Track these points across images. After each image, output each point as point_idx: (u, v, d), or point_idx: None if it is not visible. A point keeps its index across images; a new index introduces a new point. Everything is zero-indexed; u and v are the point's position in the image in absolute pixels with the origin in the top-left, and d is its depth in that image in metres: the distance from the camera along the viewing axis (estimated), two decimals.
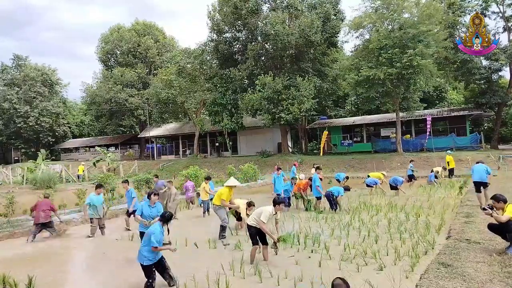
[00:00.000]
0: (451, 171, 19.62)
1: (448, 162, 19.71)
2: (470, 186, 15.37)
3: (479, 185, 10.70)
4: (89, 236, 9.92)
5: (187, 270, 6.34)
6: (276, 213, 6.83)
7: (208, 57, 36.04)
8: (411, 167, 18.08)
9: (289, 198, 12.89)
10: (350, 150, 33.47)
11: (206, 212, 12.41)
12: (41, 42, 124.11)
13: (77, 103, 65.10)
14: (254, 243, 6.76)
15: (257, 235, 6.72)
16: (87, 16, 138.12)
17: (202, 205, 12.76)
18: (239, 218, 9.88)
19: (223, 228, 8.82)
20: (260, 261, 6.67)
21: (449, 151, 22.59)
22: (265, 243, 6.81)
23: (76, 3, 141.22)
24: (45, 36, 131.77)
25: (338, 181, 18.02)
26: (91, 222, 10.04)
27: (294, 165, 18.50)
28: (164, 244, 5.79)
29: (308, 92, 29.22)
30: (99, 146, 45.60)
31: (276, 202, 6.76)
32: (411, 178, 17.50)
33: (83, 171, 31.76)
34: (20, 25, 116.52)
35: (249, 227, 6.75)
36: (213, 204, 9.27)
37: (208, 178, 12.70)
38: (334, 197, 11.71)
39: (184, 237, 8.79)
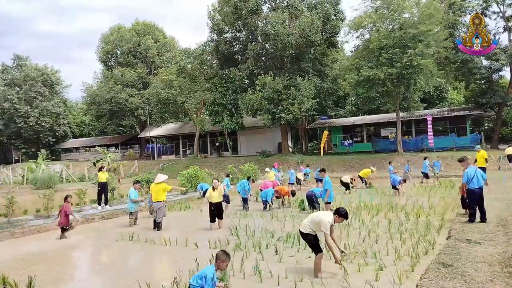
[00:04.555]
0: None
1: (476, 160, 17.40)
2: None
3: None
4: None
5: (187, 270, 6.34)
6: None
7: (208, 57, 35.99)
8: (390, 169, 18.05)
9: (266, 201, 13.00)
10: (350, 150, 33.46)
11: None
12: (26, 50, 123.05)
13: (74, 102, 65.12)
14: None
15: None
16: (83, 21, 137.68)
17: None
18: (212, 219, 10.19)
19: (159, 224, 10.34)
20: (260, 261, 6.67)
21: (478, 146, 19.15)
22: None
23: (76, 8, 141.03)
24: (29, 43, 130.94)
25: (318, 180, 17.72)
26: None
27: (273, 166, 18.68)
28: None
29: (308, 92, 29.21)
30: (99, 146, 45.66)
31: None
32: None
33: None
34: (1, 34, 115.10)
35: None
36: (156, 201, 10.38)
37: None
38: (316, 197, 11.71)
39: (185, 237, 8.80)
